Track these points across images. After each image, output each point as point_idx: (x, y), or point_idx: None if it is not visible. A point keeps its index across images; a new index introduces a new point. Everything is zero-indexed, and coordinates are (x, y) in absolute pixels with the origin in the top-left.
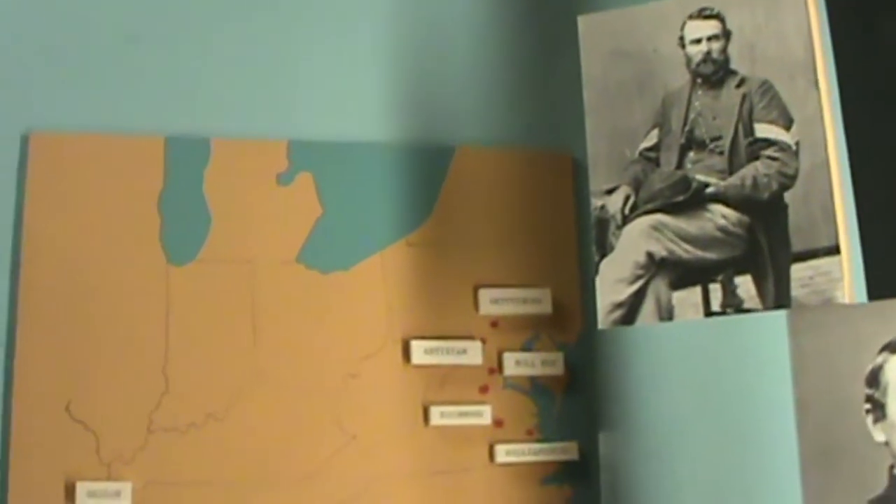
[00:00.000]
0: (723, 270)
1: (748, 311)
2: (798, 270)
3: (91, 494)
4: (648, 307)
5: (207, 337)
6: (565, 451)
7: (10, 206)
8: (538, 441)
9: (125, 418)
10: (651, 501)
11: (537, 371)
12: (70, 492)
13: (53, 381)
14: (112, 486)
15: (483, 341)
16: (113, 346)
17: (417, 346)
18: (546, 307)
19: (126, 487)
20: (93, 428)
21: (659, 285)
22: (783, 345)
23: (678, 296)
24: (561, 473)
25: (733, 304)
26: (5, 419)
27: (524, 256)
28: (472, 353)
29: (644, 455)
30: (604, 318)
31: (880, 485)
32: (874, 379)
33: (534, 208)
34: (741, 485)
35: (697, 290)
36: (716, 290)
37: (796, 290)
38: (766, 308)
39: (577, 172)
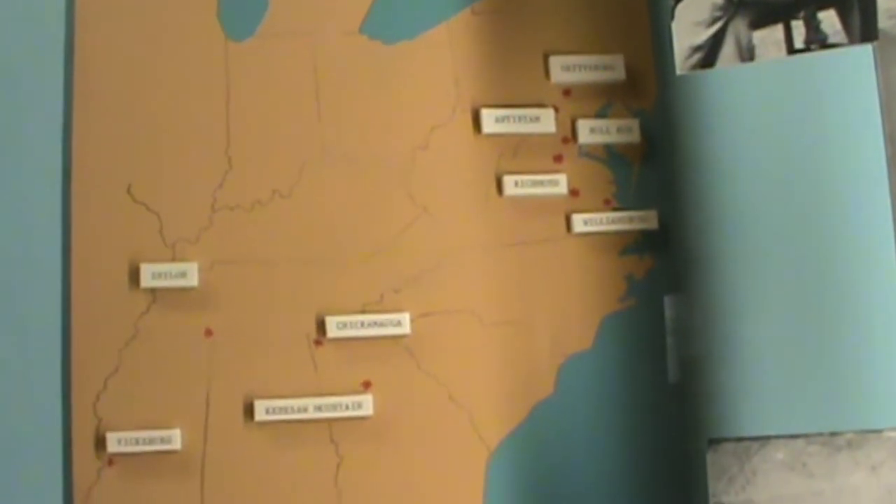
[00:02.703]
0: (805, 6)
1: (833, 46)
2: (885, 1)
3: (156, 276)
4: (728, 49)
5: (270, 113)
6: (644, 219)
7: None
8: (616, 210)
9: (188, 198)
10: (733, 263)
11: (613, 139)
12: (134, 274)
13: (113, 164)
14: (177, 266)
15: (556, 110)
16: (173, 126)
17: (488, 115)
18: (619, 74)
19: (192, 268)
20: (155, 209)
21: (738, 25)
22: (871, 80)
23: (759, 35)
24: (641, 244)
25: (817, 40)
26: (65, 204)
27: (594, 22)
28: (545, 121)
29: (728, 216)
30: (682, 63)
31: None
32: None
33: None
34: (830, 228)
35: (779, 27)
36: (798, 26)
37: (883, 22)
38: (853, 42)
39: None
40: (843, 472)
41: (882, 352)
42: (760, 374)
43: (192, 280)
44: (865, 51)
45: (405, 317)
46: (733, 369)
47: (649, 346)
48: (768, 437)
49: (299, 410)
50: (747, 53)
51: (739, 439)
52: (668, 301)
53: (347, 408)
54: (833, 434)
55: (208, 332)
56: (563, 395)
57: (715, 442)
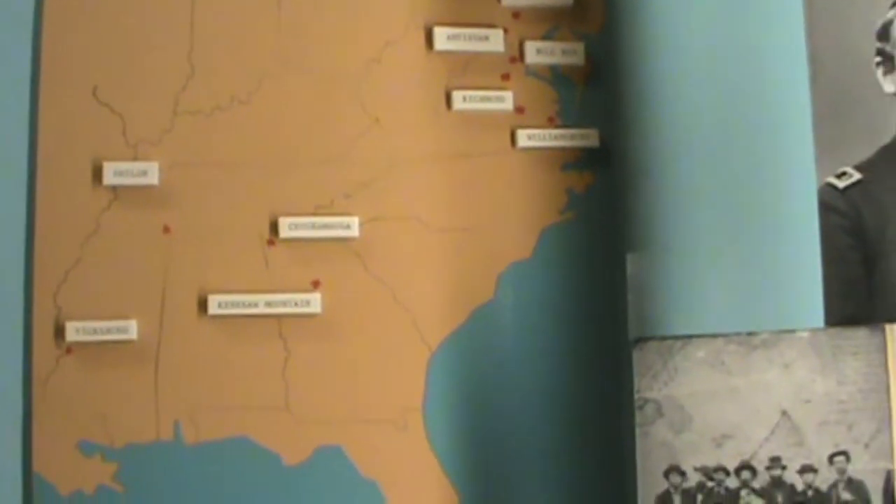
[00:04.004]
0: None
1: None
2: None
3: (118, 174)
4: None
5: (232, 22)
6: (585, 137)
7: None
8: (559, 127)
9: (151, 101)
10: (668, 178)
11: (558, 60)
12: (98, 172)
13: (80, 66)
14: (139, 165)
15: (505, 31)
16: (138, 31)
17: (440, 33)
18: None
19: (153, 167)
20: (119, 111)
21: None
22: (797, 2)
23: None
24: (582, 160)
25: None
26: (33, 103)
27: None
28: (494, 41)
29: (664, 135)
30: None
31: (888, 134)
32: (885, 32)
33: None
34: (756, 143)
35: None
36: None
37: None
38: None
39: None
40: (758, 369)
41: (796, 260)
42: (687, 277)
43: (153, 179)
44: None
45: (354, 220)
46: (661, 274)
47: (586, 257)
48: (690, 337)
49: (250, 306)
50: None
51: (663, 338)
52: (630, 258)
53: (296, 305)
54: (750, 334)
55: (166, 230)
56: (501, 301)
57: (641, 341)
